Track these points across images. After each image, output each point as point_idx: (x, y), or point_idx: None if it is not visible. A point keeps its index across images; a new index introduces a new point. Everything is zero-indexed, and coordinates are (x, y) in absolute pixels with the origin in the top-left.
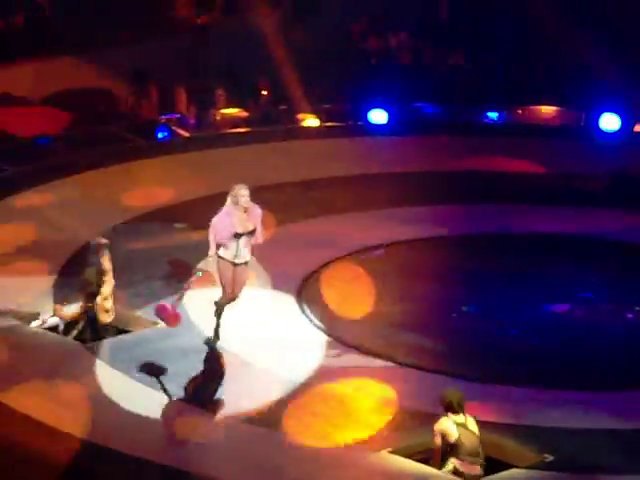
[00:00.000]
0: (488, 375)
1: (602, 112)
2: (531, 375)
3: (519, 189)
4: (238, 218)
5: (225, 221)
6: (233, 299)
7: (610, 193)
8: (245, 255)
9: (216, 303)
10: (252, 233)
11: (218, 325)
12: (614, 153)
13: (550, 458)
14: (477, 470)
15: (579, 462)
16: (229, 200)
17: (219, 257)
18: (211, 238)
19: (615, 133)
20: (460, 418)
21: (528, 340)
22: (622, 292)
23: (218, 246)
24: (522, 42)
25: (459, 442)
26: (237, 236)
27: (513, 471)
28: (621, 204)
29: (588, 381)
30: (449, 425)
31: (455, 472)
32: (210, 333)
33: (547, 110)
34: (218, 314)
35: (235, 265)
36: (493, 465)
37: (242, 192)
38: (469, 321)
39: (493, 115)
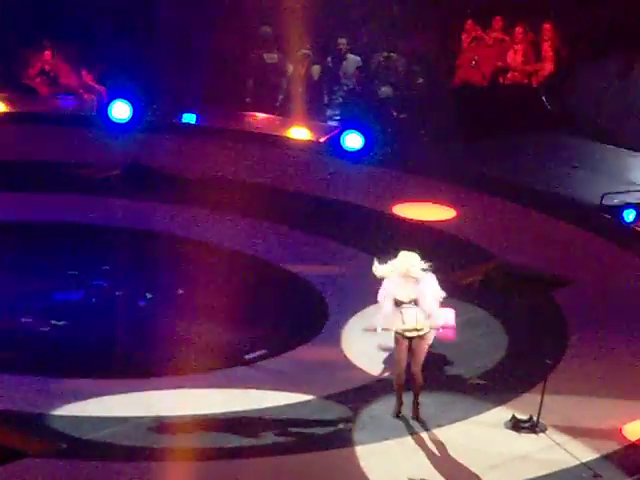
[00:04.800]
0: None
1: (114, 99)
2: (42, 363)
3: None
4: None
5: None
6: None
7: (119, 182)
8: None
9: None
10: None
11: None
12: (125, 142)
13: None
14: None
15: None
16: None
17: None
18: None
19: (126, 123)
20: None
21: (39, 327)
22: (134, 279)
23: None
24: None
25: None
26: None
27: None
28: (129, 193)
29: (99, 368)
30: None
31: None
32: None
33: None
34: None
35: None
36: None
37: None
38: None
39: None
